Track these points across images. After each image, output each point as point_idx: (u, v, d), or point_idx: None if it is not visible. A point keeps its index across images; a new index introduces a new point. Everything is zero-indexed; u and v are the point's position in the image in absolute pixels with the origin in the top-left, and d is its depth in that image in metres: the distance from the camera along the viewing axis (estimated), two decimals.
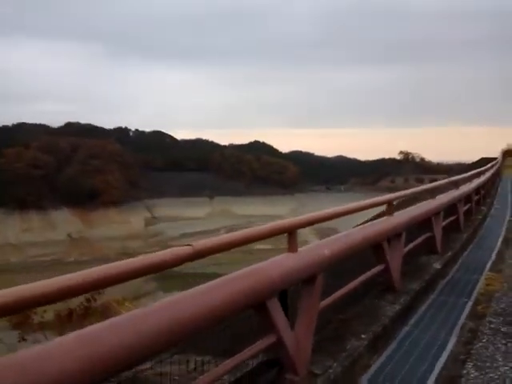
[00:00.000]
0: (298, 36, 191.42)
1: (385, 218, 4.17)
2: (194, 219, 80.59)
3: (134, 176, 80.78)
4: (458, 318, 4.20)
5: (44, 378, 1.39)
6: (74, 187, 72.31)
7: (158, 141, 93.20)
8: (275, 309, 2.55)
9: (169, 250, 2.04)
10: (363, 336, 3.41)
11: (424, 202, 5.53)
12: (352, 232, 3.54)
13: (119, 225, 76.24)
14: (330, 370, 2.90)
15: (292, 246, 2.77)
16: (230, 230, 78.83)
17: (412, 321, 4.10)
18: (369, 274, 3.87)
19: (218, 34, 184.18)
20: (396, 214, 4.31)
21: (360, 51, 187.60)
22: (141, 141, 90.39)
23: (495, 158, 28.71)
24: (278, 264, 2.63)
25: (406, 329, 3.93)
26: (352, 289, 3.51)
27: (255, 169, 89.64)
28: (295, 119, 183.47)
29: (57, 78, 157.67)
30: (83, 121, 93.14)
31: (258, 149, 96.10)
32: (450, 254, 5.94)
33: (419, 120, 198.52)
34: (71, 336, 1.65)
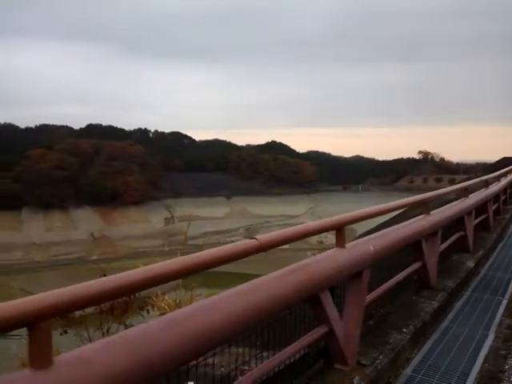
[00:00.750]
0: (313, 34, 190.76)
1: (422, 216, 4.28)
2: (212, 219, 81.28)
3: (154, 177, 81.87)
4: (495, 315, 4.29)
5: (143, 355, 1.56)
6: (97, 188, 73.74)
7: (177, 141, 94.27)
8: (327, 301, 2.71)
9: (236, 243, 2.22)
10: (405, 330, 3.55)
11: (456, 201, 5.59)
12: (393, 230, 3.68)
13: (140, 224, 77.49)
14: (377, 361, 3.05)
15: (340, 242, 2.93)
16: (248, 229, 79.38)
17: (449, 316, 4.21)
18: (408, 270, 4.00)
19: (234, 33, 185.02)
20: (433, 212, 4.42)
21: (376, 49, 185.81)
22: (160, 142, 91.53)
23: None
24: (330, 259, 2.79)
25: (444, 324, 4.05)
26: (393, 285, 3.65)
27: (272, 169, 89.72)
28: (312, 119, 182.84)
29: (77, 80, 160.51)
30: (104, 122, 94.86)
31: (275, 149, 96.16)
32: (481, 252, 6.00)
33: (438, 119, 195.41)
34: (156, 321, 1.83)
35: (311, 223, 2.73)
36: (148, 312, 5.23)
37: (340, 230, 2.91)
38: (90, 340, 4.07)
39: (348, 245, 2.98)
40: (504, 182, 8.92)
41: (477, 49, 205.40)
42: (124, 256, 68.34)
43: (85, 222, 73.55)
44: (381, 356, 3.12)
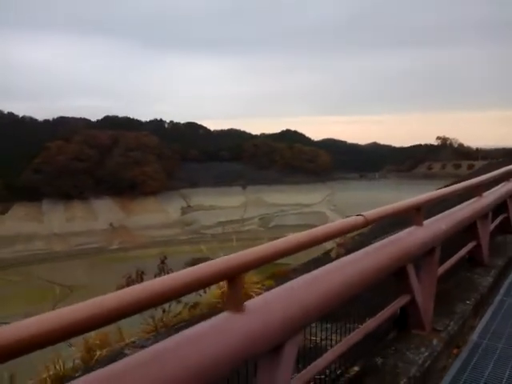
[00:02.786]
0: (325, 21, 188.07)
1: (476, 198, 4.56)
2: (228, 208, 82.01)
3: (171, 167, 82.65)
4: None
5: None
6: (115, 178, 74.86)
7: (192, 132, 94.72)
8: (412, 273, 3.05)
9: (345, 219, 2.53)
10: (468, 302, 3.87)
11: (501, 184, 5.83)
12: (456, 211, 3.98)
13: (157, 214, 78.64)
14: (449, 328, 3.39)
15: (419, 221, 3.25)
16: (263, 218, 79.86)
17: (502, 291, 4.51)
18: (466, 249, 4.31)
19: (247, 24, 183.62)
20: (484, 194, 4.69)
21: (390, 35, 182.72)
22: (176, 132, 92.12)
23: None
24: (412, 235, 3.11)
25: (498, 298, 4.35)
26: (456, 261, 3.97)
27: (287, 157, 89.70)
28: (327, 107, 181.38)
29: (93, 73, 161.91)
30: (120, 114, 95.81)
31: (290, 137, 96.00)
32: None
33: (456, 105, 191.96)
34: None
35: (395, 204, 3.00)
36: None
37: (419, 210, 3.22)
38: None
39: (425, 222, 3.29)
40: None
41: (494, 33, 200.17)
42: (142, 245, 69.66)
43: (104, 212, 74.95)
44: (451, 323, 3.46)
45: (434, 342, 3.15)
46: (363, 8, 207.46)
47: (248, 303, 1.77)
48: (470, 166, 65.63)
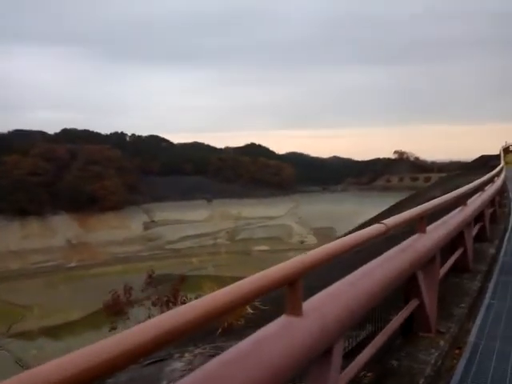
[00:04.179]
0: (292, 38, 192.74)
1: (461, 208, 4.85)
2: (193, 222, 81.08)
3: (132, 181, 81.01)
4: None
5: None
6: (73, 193, 72.41)
7: (155, 145, 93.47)
8: (421, 278, 3.22)
9: (365, 229, 2.67)
10: (462, 305, 4.09)
11: (475, 195, 6.21)
12: (448, 219, 4.21)
13: (118, 229, 76.45)
14: (451, 330, 3.58)
15: (423, 228, 3.43)
16: (230, 231, 79.58)
17: (488, 294, 4.80)
18: (455, 256, 4.56)
19: (213, 36, 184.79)
20: (469, 202, 5.00)
21: (355, 52, 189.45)
22: (137, 145, 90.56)
23: (495, 156, 29.72)
24: (419, 242, 3.29)
25: (486, 301, 4.62)
26: (450, 266, 4.20)
27: (252, 171, 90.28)
28: (290, 121, 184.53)
29: (51, 84, 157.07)
30: (80, 127, 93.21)
31: (254, 151, 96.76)
32: (497, 241, 6.66)
33: (413, 119, 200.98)
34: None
35: (410, 211, 3.17)
36: None
37: (423, 218, 3.42)
38: None
39: (428, 229, 3.48)
40: (501, 178, 9.67)
41: (451, 50, 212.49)
42: (103, 262, 67.41)
43: (62, 228, 72.08)
44: (452, 325, 3.65)
45: (441, 343, 3.32)
46: (328, 26, 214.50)
47: (304, 307, 1.84)
48: (427, 179, 68.66)
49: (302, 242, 70.22)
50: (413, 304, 3.21)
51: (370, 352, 2.57)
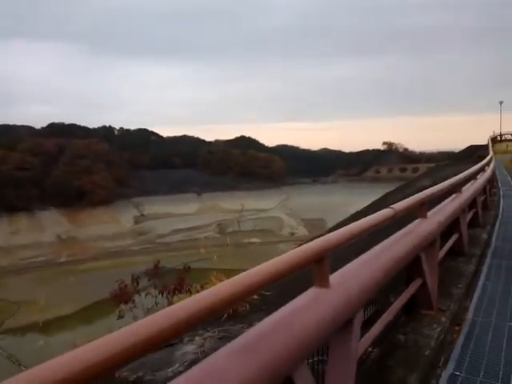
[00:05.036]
0: (283, 29, 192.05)
1: (456, 194, 5.10)
2: (183, 215, 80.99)
3: (121, 175, 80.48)
4: None
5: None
6: (62, 188, 71.74)
7: (144, 139, 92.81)
8: (424, 259, 3.44)
9: (375, 214, 2.86)
10: (460, 286, 4.35)
11: (469, 183, 6.47)
12: (444, 205, 4.45)
13: (108, 224, 76.06)
14: (451, 307, 3.82)
15: (424, 213, 3.66)
16: (220, 224, 79.71)
17: (483, 276, 5.07)
18: (452, 240, 4.81)
19: (203, 29, 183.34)
20: (463, 189, 5.25)
21: (345, 43, 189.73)
22: (126, 139, 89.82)
23: (483, 146, 30.19)
24: (421, 227, 3.51)
25: (481, 282, 4.89)
26: (447, 250, 4.44)
27: (242, 163, 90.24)
28: (280, 114, 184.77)
29: (38, 78, 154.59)
30: (67, 121, 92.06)
31: (244, 144, 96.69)
32: (488, 227, 6.95)
33: (403, 110, 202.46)
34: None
35: (412, 197, 3.38)
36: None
37: (423, 204, 3.63)
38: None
39: (429, 214, 3.71)
40: (491, 166, 9.98)
41: (437, 40, 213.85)
42: (93, 257, 67.10)
43: (51, 223, 71.49)
44: (452, 303, 3.90)
45: (443, 319, 3.56)
46: (320, 17, 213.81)
47: (331, 279, 2.04)
48: (415, 170, 69.53)
49: (293, 234, 70.64)
50: (416, 283, 3.44)
51: (378, 328, 2.79)
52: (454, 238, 4.99)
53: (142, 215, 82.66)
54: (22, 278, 57.81)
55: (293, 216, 78.96)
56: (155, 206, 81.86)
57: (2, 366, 27.49)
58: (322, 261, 1.96)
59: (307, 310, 1.87)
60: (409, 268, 3.50)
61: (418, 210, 3.67)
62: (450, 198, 4.89)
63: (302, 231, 72.57)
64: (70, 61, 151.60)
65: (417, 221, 3.60)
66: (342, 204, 71.11)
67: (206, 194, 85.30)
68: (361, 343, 2.44)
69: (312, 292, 1.97)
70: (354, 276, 2.21)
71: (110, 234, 73.96)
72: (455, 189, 5.11)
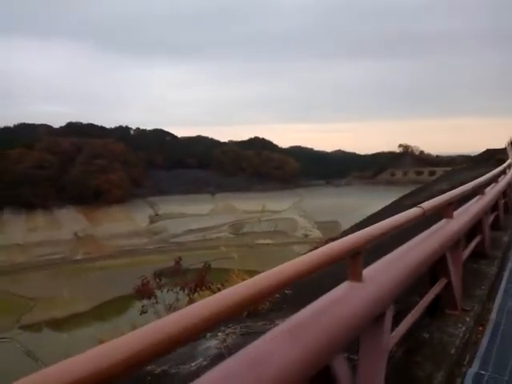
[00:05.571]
0: (297, 30, 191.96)
1: (479, 196, 5.09)
2: (197, 216, 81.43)
3: (137, 174, 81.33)
4: None
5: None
6: (79, 187, 72.83)
7: (159, 139, 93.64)
8: (449, 259, 3.47)
9: (403, 212, 2.90)
10: (483, 287, 4.35)
11: (490, 186, 6.43)
12: (468, 207, 4.46)
13: (124, 223, 76.92)
14: (475, 308, 3.83)
15: (450, 214, 3.68)
16: (234, 225, 79.92)
17: (505, 278, 5.06)
18: (474, 242, 4.81)
19: (216, 29, 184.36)
20: (486, 191, 5.24)
21: (358, 45, 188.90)
22: (142, 139, 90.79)
23: (501, 149, 29.66)
24: (447, 227, 3.54)
25: (503, 284, 4.88)
26: (470, 252, 4.45)
27: (255, 165, 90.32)
28: (294, 115, 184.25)
29: (55, 78, 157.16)
30: (84, 120, 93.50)
31: (258, 145, 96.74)
32: (510, 230, 6.90)
33: (418, 113, 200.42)
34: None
35: (439, 197, 3.42)
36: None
37: (450, 204, 3.66)
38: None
39: (455, 213, 3.73)
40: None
41: (453, 43, 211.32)
42: (109, 255, 67.96)
43: (68, 221, 72.61)
44: (475, 304, 3.92)
45: (467, 319, 3.58)
46: (335, 18, 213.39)
47: (364, 274, 2.10)
48: (432, 173, 68.63)
49: (307, 236, 70.42)
50: (442, 283, 3.47)
51: (405, 325, 2.84)
52: (477, 239, 4.98)
53: (157, 215, 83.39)
54: (38, 275, 58.88)
55: (306, 218, 78.72)
56: (170, 205, 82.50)
57: (21, 362, 28.03)
58: (357, 255, 2.03)
59: (342, 302, 1.94)
60: (434, 267, 3.53)
61: (444, 210, 3.70)
62: (474, 200, 4.90)
63: (315, 233, 72.29)
64: (85, 60, 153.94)
65: (443, 220, 3.63)
66: (356, 207, 70.65)
67: (220, 194, 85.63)
68: (390, 339, 2.49)
69: (346, 285, 2.03)
70: (386, 272, 2.26)
71: (125, 233, 74.75)
72: (478, 190, 5.11)
